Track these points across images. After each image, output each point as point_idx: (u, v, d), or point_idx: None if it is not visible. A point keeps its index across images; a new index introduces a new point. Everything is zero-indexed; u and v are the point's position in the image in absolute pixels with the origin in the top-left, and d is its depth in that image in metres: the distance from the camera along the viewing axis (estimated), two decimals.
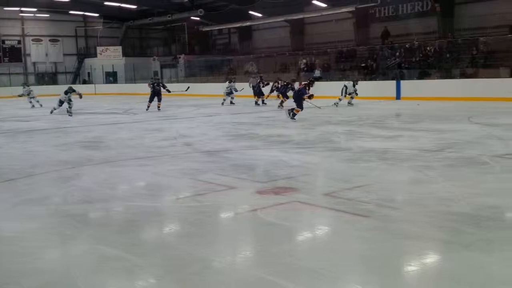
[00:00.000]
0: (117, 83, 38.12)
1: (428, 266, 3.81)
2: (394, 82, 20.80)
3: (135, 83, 35.60)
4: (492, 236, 4.23)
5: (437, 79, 20.60)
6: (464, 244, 4.04)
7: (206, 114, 17.60)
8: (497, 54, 20.52)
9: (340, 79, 23.22)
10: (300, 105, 13.77)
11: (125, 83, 37.11)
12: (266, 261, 3.84)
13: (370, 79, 23.37)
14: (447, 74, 20.97)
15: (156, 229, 4.79)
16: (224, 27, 37.07)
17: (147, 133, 11.99)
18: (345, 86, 18.69)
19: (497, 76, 18.99)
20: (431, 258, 3.96)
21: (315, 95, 17.57)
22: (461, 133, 10.25)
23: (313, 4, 28.67)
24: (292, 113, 13.80)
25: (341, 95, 18.42)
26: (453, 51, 22.46)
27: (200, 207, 5.33)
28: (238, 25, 34.82)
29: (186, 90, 18.88)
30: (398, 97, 19.53)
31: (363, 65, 24.94)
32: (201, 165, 7.75)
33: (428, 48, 23.15)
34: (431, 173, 6.63)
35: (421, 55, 23.15)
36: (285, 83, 19.34)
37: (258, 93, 20.69)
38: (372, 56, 25.44)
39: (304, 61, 28.23)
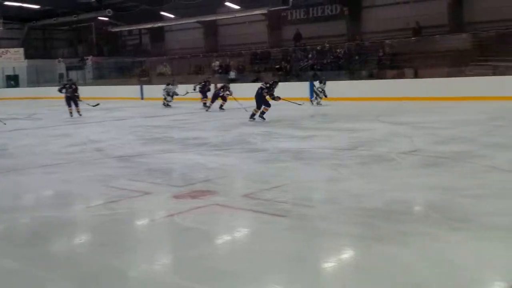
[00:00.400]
0: (19, 86, 35.97)
1: (345, 262, 3.89)
2: (307, 84, 21.30)
3: (38, 86, 33.76)
4: (404, 229, 4.38)
5: (347, 80, 21.37)
6: (378, 238, 4.16)
7: (117, 117, 17.05)
8: (402, 56, 21.63)
9: (254, 81, 23.43)
10: (266, 103, 13.70)
11: (28, 86, 35.09)
12: (184, 267, 3.74)
13: (285, 81, 23.80)
14: (356, 75, 21.83)
15: (66, 240, 4.52)
16: (134, 28, 36.16)
17: (54, 139, 11.40)
18: (315, 86, 19.09)
19: (402, 76, 20.04)
20: (347, 254, 4.05)
21: (232, 96, 17.70)
22: (371, 132, 10.66)
23: (226, 6, 28.76)
24: (254, 114, 13.66)
25: (315, 95, 18.87)
26: (361, 53, 23.41)
27: (114, 215, 5.11)
28: (149, 26, 34.13)
29: (95, 106, 17.83)
30: (312, 98, 19.99)
31: (277, 66, 25.35)
32: (113, 171, 7.46)
33: (338, 50, 23.96)
34: (345, 171, 6.82)
35: (332, 57, 23.92)
36: (221, 87, 18.88)
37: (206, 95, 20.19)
38: (285, 58, 25.91)
39: (218, 62, 28.24)
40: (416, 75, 19.91)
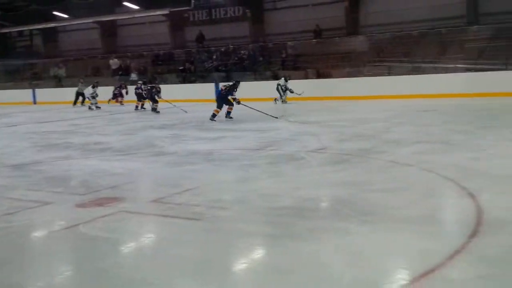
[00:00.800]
0: None
1: (260, 261, 3.87)
2: (212, 85, 21.23)
3: None
4: (316, 225, 4.43)
5: (252, 81, 21.57)
6: (291, 235, 4.17)
7: (8, 124, 15.90)
8: (304, 57, 22.26)
9: (159, 83, 23.00)
10: (220, 106, 13.47)
11: None
12: (92, 278, 3.51)
13: (190, 82, 23.61)
14: (260, 76, 22.11)
15: None
16: (25, 28, 33.96)
17: None
18: (278, 85, 18.60)
19: (305, 77, 20.59)
20: (262, 253, 4.04)
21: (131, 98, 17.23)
22: (279, 132, 10.77)
23: (125, 6, 27.88)
24: (215, 114, 13.40)
25: (280, 94, 18.51)
26: (265, 54, 23.77)
27: (10, 228, 4.70)
28: (41, 26, 32.21)
29: None
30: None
31: (181, 68, 25.05)
32: (8, 180, 6.89)
33: (242, 52, 24.15)
34: (255, 171, 6.81)
35: (236, 58, 24.06)
36: (149, 87, 18.13)
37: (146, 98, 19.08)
38: (189, 59, 25.68)
39: (116, 60, 27.20)
40: (318, 76, 20.56)
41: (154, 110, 16.97)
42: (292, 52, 23.15)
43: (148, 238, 4.49)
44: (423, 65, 18.94)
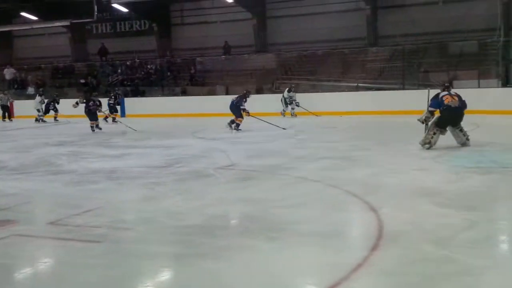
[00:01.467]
0: None
1: (166, 283, 3.75)
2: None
3: None
4: (224, 243, 4.36)
5: (160, 96, 21.27)
6: (198, 255, 4.07)
7: None
8: (213, 73, 22.32)
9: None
10: (240, 115, 13.40)
11: None
12: None
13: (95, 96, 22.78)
14: (168, 91, 21.84)
15: None
16: None
17: None
18: (283, 96, 17.83)
19: (214, 93, 20.60)
20: (168, 274, 3.91)
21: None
22: (187, 148, 10.62)
23: (22, 16, 26.42)
24: (236, 125, 13.51)
25: (284, 105, 17.77)
26: (173, 69, 23.55)
27: None
28: None
29: None
30: (123, 114, 19.40)
31: (82, 81, 24.12)
32: None
33: (149, 66, 23.75)
34: (162, 189, 6.63)
35: (142, 72, 23.60)
36: (112, 96, 17.50)
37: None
38: (92, 73, 24.80)
39: (8, 70, 25.55)
40: (227, 92, 20.66)
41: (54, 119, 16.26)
42: (201, 68, 23.15)
43: (43, 264, 4.19)
44: (327, 83, 19.67)
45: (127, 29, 27.06)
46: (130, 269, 3.86)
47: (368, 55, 21.54)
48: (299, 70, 21.79)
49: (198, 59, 23.46)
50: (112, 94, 19.00)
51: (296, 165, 8.07)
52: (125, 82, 23.23)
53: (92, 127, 14.87)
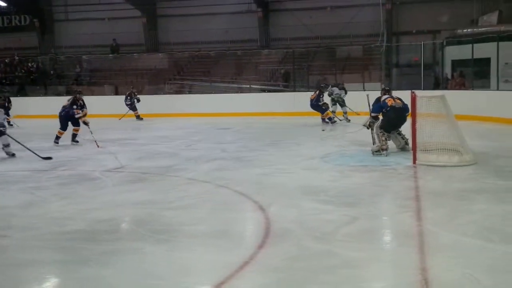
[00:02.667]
0: None
1: None
2: None
3: None
4: (110, 248, 4.25)
5: (43, 96, 20.09)
6: (82, 261, 3.94)
7: None
8: (101, 73, 21.51)
9: None
10: (324, 109, 13.82)
11: None
12: None
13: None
14: (52, 91, 20.69)
15: None
16: None
17: None
18: (336, 96, 14.59)
19: (103, 93, 19.85)
20: (50, 282, 3.75)
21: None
22: (72, 150, 10.16)
23: None
24: (329, 118, 13.84)
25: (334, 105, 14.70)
26: (57, 68, 22.36)
27: None
28: None
29: None
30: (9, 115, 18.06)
31: None
32: None
33: (30, 64, 22.33)
34: (43, 194, 6.29)
35: (23, 71, 22.15)
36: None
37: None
38: None
39: None
40: (116, 92, 20.02)
41: None
42: (88, 66, 22.22)
43: None
44: (221, 84, 19.79)
45: (5, 25, 25.29)
46: (9, 278, 3.67)
47: (260, 57, 22.00)
48: (192, 70, 21.70)
49: (84, 57, 22.47)
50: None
51: (187, 166, 8.03)
52: (3, 81, 21.63)
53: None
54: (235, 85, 19.72)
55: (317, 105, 13.84)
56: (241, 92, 19.17)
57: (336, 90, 14.68)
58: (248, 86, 19.57)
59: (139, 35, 23.82)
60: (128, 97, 17.10)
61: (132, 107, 17.11)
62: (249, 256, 3.92)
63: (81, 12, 24.23)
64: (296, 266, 3.75)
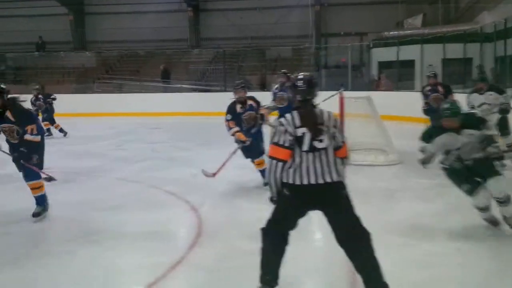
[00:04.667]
0: None
1: None
2: None
3: None
4: (38, 250, 4.23)
5: None
6: (12, 262, 3.92)
7: None
8: (26, 71, 20.69)
9: None
10: None
11: None
12: None
13: None
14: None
15: None
16: None
17: None
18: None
19: (29, 92, 19.05)
20: None
21: None
22: None
23: None
24: None
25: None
26: None
27: None
28: None
29: None
30: None
31: None
32: None
33: None
34: None
35: None
36: None
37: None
38: None
39: None
40: (43, 91, 19.28)
41: None
42: (12, 64, 21.26)
43: None
44: (151, 83, 19.55)
45: None
46: None
47: (191, 56, 21.92)
48: (121, 69, 21.30)
49: (8, 54, 21.49)
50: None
51: (116, 166, 7.96)
52: None
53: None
54: (166, 85, 19.55)
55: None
56: (171, 92, 19.04)
57: None
58: (179, 85, 19.47)
59: (66, 33, 23.09)
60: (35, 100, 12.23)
61: (47, 113, 12.27)
62: (181, 256, 4.00)
63: (5, 8, 23.15)
64: (225, 265, 3.85)
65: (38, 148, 5.04)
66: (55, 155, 9.15)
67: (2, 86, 4.87)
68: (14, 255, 4.11)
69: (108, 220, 5.04)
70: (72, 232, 4.69)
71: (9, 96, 4.91)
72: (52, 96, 12.61)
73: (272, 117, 6.15)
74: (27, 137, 4.88)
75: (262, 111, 6.26)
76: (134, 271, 3.86)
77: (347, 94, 7.83)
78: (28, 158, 4.92)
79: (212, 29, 23.07)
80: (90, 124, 14.77)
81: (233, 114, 6.20)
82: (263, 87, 17.06)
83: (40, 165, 5.12)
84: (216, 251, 4.14)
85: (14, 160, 5.00)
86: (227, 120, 6.23)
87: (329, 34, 22.67)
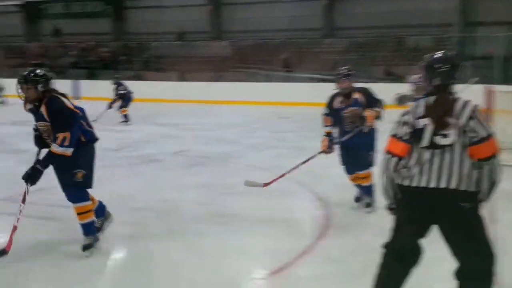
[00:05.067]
0: None
1: (116, 261, 3.93)
2: (70, 82, 20.14)
3: None
4: (172, 227, 4.52)
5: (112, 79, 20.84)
6: (148, 236, 4.23)
7: None
8: (167, 59, 22.05)
9: (11, 76, 21.27)
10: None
11: None
12: None
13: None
14: (121, 75, 21.39)
15: None
16: None
17: None
18: None
19: (168, 79, 20.40)
20: (118, 253, 4.05)
21: None
22: (139, 133, 10.55)
23: None
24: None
25: None
26: (127, 53, 23.13)
27: None
28: None
29: None
30: (77, 97, 18.95)
31: (35, 62, 23.36)
32: None
33: (102, 49, 23.26)
34: (112, 172, 6.64)
35: (96, 55, 23.10)
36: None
37: None
38: (45, 54, 24.09)
39: None
40: (181, 78, 20.50)
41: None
42: (155, 52, 22.84)
43: None
44: (282, 73, 19.82)
45: (81, 10, 26.36)
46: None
47: (323, 46, 21.79)
48: (254, 59, 21.83)
49: (152, 43, 23.10)
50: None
51: (246, 153, 8.20)
52: (78, 65, 22.66)
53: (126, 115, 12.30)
54: (296, 74, 19.67)
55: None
56: (302, 82, 19.11)
57: None
58: (310, 75, 19.47)
59: (204, 23, 24.20)
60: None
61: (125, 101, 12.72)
62: (308, 245, 4.02)
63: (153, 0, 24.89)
64: (354, 259, 3.79)
65: (83, 160, 3.87)
66: (191, 139, 9.73)
67: (38, 72, 3.82)
68: (152, 229, 4.43)
69: (237, 204, 5.20)
70: (202, 213, 4.91)
71: (48, 88, 3.78)
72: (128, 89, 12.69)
73: (377, 121, 4.88)
74: (54, 148, 3.69)
75: (367, 113, 4.76)
76: (260, 255, 3.95)
77: (495, 87, 7.20)
78: (70, 174, 3.81)
79: (346, 18, 22.65)
80: (223, 111, 15.39)
81: (330, 109, 5.03)
82: (397, 78, 16.43)
83: (86, 183, 3.93)
84: (343, 243, 4.10)
85: (27, 181, 3.85)
86: (324, 115, 5.17)
87: (475, 22, 21.08)
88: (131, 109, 11.95)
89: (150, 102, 18.03)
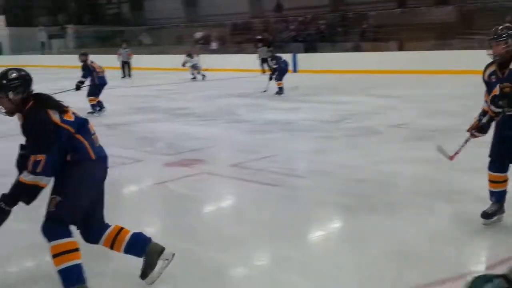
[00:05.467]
0: (2, 54, 34.92)
1: (335, 231, 4.00)
2: (290, 55, 21.10)
3: (21, 54, 32.79)
4: (394, 200, 4.43)
5: (330, 52, 21.19)
6: (367, 208, 4.20)
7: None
8: (386, 28, 21.42)
9: (237, 52, 23.21)
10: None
11: (11, 54, 34.04)
12: (176, 229, 3.90)
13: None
14: (339, 47, 21.60)
15: None
16: None
17: None
18: None
19: (387, 49, 19.91)
20: (336, 223, 4.15)
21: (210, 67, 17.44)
22: (358, 105, 10.56)
23: None
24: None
25: None
26: (344, 25, 23.18)
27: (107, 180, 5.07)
28: None
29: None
30: (295, 70, 19.84)
31: (259, 37, 24.99)
32: (103, 139, 7.33)
33: (320, 22, 23.70)
34: (332, 143, 6.83)
35: (314, 28, 23.65)
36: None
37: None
38: (267, 29, 25.57)
39: (201, 33, 27.65)
40: (400, 48, 19.80)
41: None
42: (373, 22, 22.33)
43: (228, 199, 4.77)
44: None
45: None
46: (301, 213, 4.15)
47: None
48: (482, 25, 19.88)
49: (370, 13, 22.66)
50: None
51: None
52: (297, 38, 23.54)
53: (281, 88, 12.75)
54: None
55: None
56: None
57: None
58: None
59: None
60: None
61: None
62: None
63: None
64: None
65: (66, 183, 2.74)
66: (413, 111, 9.39)
67: (10, 75, 2.74)
68: (372, 201, 4.43)
69: (465, 181, 4.86)
70: (426, 189, 4.68)
71: (29, 94, 2.76)
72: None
73: None
74: (22, 176, 2.67)
75: None
76: (493, 240, 3.66)
77: None
78: (49, 200, 2.73)
79: None
80: (447, 82, 14.50)
81: (484, 81, 3.91)
82: None
83: (60, 215, 2.69)
84: None
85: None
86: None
87: None
88: (347, 81, 11.96)
89: (369, 74, 17.89)
